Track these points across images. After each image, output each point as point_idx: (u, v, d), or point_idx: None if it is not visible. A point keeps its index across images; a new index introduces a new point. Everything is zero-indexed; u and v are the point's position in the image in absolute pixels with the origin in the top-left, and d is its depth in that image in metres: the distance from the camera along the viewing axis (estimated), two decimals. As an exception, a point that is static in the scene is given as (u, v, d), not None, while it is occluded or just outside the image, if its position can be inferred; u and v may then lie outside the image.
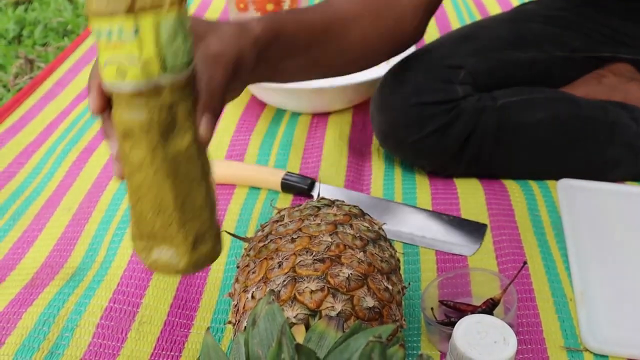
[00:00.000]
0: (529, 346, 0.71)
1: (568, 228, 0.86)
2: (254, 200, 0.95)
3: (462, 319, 0.60)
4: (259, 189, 0.97)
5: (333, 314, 0.55)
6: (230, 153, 1.05)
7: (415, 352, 0.71)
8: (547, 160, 0.97)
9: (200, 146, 0.54)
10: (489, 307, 0.70)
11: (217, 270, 0.82)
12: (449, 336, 0.67)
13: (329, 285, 0.57)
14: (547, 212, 0.91)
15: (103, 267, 0.84)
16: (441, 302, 0.74)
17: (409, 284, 0.71)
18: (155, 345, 0.73)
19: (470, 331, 0.59)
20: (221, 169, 0.98)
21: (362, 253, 0.61)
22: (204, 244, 0.55)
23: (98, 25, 0.49)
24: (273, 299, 0.42)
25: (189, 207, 0.54)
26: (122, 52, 0.49)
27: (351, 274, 0.58)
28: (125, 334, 0.75)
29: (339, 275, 0.58)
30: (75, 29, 1.77)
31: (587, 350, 0.71)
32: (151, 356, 0.72)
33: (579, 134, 0.96)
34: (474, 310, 0.71)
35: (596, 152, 0.97)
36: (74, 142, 1.11)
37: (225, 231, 0.71)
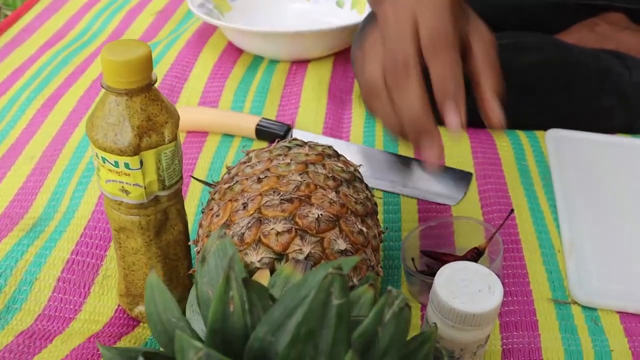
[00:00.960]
0: (515, 298, 0.67)
1: (557, 179, 0.82)
2: (226, 148, 0.90)
3: (445, 266, 0.56)
4: (232, 136, 0.92)
5: (301, 257, 0.50)
6: (203, 100, 1.00)
7: (394, 305, 0.67)
8: (536, 107, 0.93)
9: (187, 230, 0.62)
10: (473, 257, 0.66)
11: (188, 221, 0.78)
12: (430, 287, 0.63)
13: (296, 227, 0.52)
14: (535, 163, 0.87)
15: (66, 217, 0.79)
16: (422, 252, 0.70)
17: (387, 228, 0.67)
18: (119, 299, 0.69)
19: (452, 279, 0.54)
20: (193, 115, 0.93)
21: (334, 193, 0.56)
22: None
23: (103, 154, 0.54)
24: (225, 233, 0.37)
25: (174, 277, 0.63)
26: (128, 179, 0.54)
27: (321, 214, 0.53)
28: (88, 288, 0.70)
29: (308, 216, 0.53)
30: (46, -24, 1.69)
31: (575, 303, 0.67)
32: (115, 311, 0.68)
33: (570, 81, 0.92)
34: (457, 260, 0.67)
35: (587, 101, 0.93)
36: (39, 89, 1.06)
37: (191, 176, 0.66)
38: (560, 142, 0.89)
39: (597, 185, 0.82)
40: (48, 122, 0.97)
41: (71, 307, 0.69)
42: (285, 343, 0.29)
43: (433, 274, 0.64)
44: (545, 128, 0.92)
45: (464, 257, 0.67)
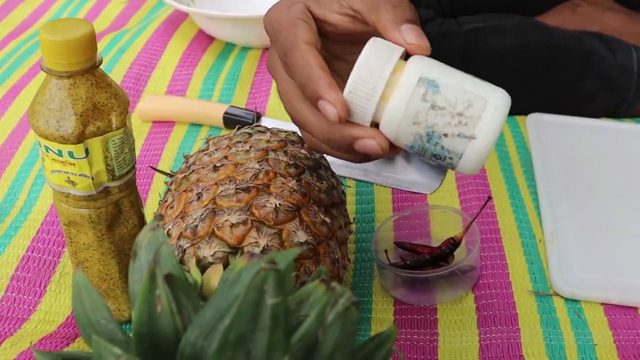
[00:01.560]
0: (494, 290, 0.64)
1: (538, 165, 0.79)
2: (193, 137, 0.86)
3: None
4: (200, 125, 0.88)
5: (257, 250, 0.47)
6: (170, 88, 0.96)
7: (367, 298, 0.64)
8: (517, 91, 0.89)
9: (143, 223, 0.58)
10: (449, 248, 0.63)
11: (150, 215, 0.74)
12: (404, 281, 0.60)
13: (252, 218, 0.49)
14: (516, 148, 0.83)
15: (22, 212, 0.75)
16: (396, 243, 0.67)
17: (354, 218, 0.63)
18: (75, 298, 0.65)
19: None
20: (159, 104, 0.89)
21: (295, 182, 0.52)
22: None
23: (46, 142, 0.50)
24: (158, 225, 0.33)
25: None
26: (73, 169, 0.51)
27: (280, 204, 0.49)
28: (44, 287, 0.67)
29: (265, 206, 0.49)
30: (16, -34, 1.64)
31: (557, 294, 0.64)
32: (72, 311, 0.64)
33: (551, 64, 0.89)
34: (432, 251, 0.64)
35: (569, 84, 0.90)
36: (1, 80, 1.02)
37: (150, 166, 0.63)
38: (542, 126, 0.85)
39: (580, 172, 0.79)
40: (8, 114, 0.94)
41: (25, 307, 0.65)
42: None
43: (407, 267, 0.61)
44: (526, 113, 0.89)
45: (440, 248, 0.63)
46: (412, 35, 0.46)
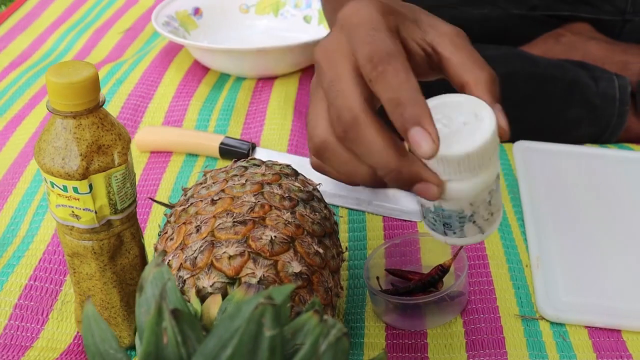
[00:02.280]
0: (482, 315, 0.66)
1: (524, 191, 0.81)
2: (190, 168, 0.88)
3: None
4: (196, 156, 0.91)
5: (254, 281, 0.49)
6: (167, 119, 0.99)
7: (359, 324, 0.66)
8: (503, 120, 0.92)
9: (144, 254, 0.61)
10: (439, 275, 0.65)
11: (149, 244, 0.76)
12: (395, 307, 0.62)
13: (249, 250, 0.51)
14: (503, 175, 0.86)
15: (24, 242, 0.77)
16: (387, 270, 0.69)
17: (346, 248, 0.65)
18: (78, 326, 0.67)
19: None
20: (156, 135, 0.91)
21: (289, 214, 0.54)
22: None
23: (51, 178, 0.53)
24: (163, 260, 0.35)
25: (132, 303, 0.61)
26: (77, 203, 0.53)
27: (275, 236, 0.52)
28: (47, 315, 0.68)
29: (261, 238, 0.52)
30: (14, -4, 1.68)
31: (543, 318, 0.66)
32: (74, 338, 0.66)
33: (536, 93, 0.92)
34: (423, 278, 0.66)
35: (554, 112, 0.93)
36: (2, 111, 1.04)
37: (149, 197, 0.65)
38: (528, 153, 0.88)
39: (565, 198, 0.81)
40: (9, 145, 0.96)
41: (28, 334, 0.67)
42: (219, 377, 0.28)
43: (398, 293, 0.63)
44: (513, 140, 0.91)
45: (429, 275, 0.66)
46: (503, 119, 0.46)
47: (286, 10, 1.25)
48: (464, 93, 0.47)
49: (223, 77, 1.09)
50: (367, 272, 0.66)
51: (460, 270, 0.65)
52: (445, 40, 0.48)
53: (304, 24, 1.22)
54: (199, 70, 1.11)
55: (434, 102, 0.45)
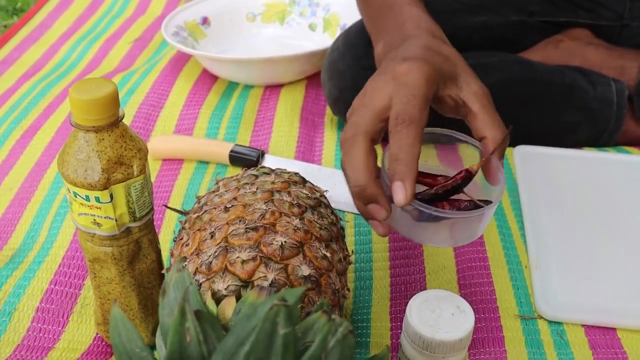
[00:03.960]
0: (482, 315, 0.69)
1: (524, 194, 0.84)
2: (201, 175, 0.91)
3: (409, 303, 0.57)
4: (207, 163, 0.94)
5: (265, 284, 0.52)
6: (178, 127, 1.02)
7: (365, 324, 0.69)
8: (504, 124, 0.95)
9: (160, 259, 0.65)
10: (464, 180, 0.57)
11: (163, 249, 0.79)
12: (419, 214, 0.55)
13: (261, 255, 0.54)
14: (503, 179, 0.88)
15: (44, 247, 0.80)
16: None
17: (352, 251, 0.68)
18: (97, 327, 0.70)
19: (424, 313, 0.56)
20: (168, 143, 0.94)
21: (298, 220, 0.58)
22: None
23: (74, 189, 0.56)
24: (183, 266, 0.39)
25: (150, 305, 0.65)
26: (99, 212, 0.56)
27: (285, 241, 0.55)
28: (67, 317, 0.72)
29: (272, 243, 0.55)
30: (25, 7, 1.71)
31: (541, 317, 0.69)
32: (94, 339, 0.69)
33: (535, 98, 0.94)
34: (446, 183, 0.57)
35: (553, 117, 0.95)
36: (18, 120, 1.07)
37: (164, 205, 0.68)
38: (528, 157, 0.91)
39: (563, 200, 0.84)
40: (27, 154, 0.99)
41: (50, 336, 0.70)
42: (237, 371, 0.31)
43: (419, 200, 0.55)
44: (513, 145, 0.94)
45: (454, 180, 0.57)
46: (501, 170, 0.57)
47: (292, 18, 1.28)
48: (481, 143, 0.58)
49: (231, 86, 1.13)
50: (383, 171, 0.56)
51: (494, 180, 0.58)
52: (476, 98, 0.58)
53: (309, 32, 1.25)
54: (207, 78, 1.14)
55: (429, 295, 0.58)
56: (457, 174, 0.57)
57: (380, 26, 0.72)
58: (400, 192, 0.52)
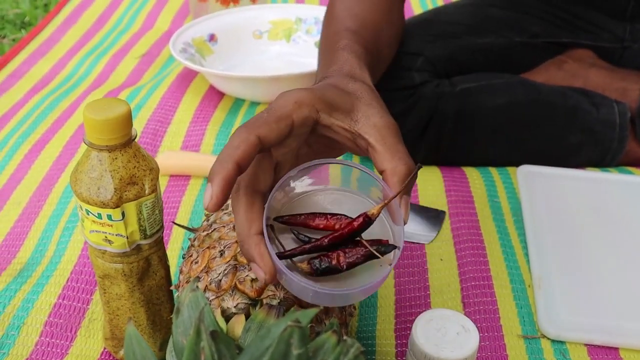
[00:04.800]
0: (486, 334, 0.70)
1: (527, 214, 0.85)
2: (208, 192, 0.92)
3: (415, 322, 0.58)
4: (214, 179, 0.95)
5: (275, 302, 0.53)
6: (186, 143, 1.03)
7: (371, 341, 0.70)
8: (507, 146, 0.96)
9: (169, 275, 0.65)
10: (362, 227, 0.51)
11: (170, 265, 0.80)
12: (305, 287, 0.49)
13: None
14: (507, 199, 0.90)
15: (52, 262, 0.81)
16: (283, 222, 0.53)
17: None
18: (104, 342, 0.71)
19: (429, 331, 0.57)
20: (175, 159, 0.96)
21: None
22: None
23: (87, 206, 0.56)
24: (197, 286, 0.40)
25: (158, 321, 0.65)
26: (110, 229, 0.57)
27: None
28: (75, 332, 0.72)
29: None
30: (33, 20, 1.73)
31: (544, 337, 0.70)
32: (101, 354, 0.70)
33: (539, 120, 0.96)
34: (341, 229, 0.51)
35: (556, 138, 0.96)
36: (26, 135, 1.08)
37: (173, 222, 0.69)
38: (531, 177, 0.92)
39: (566, 220, 0.85)
40: (35, 168, 1.00)
41: (58, 350, 0.70)
42: (252, 391, 0.32)
43: (306, 251, 0.51)
44: (516, 165, 0.95)
45: (350, 225, 0.51)
46: (406, 210, 0.52)
47: (298, 36, 1.29)
48: (383, 179, 0.52)
49: (238, 102, 1.14)
50: (267, 221, 0.51)
51: (396, 219, 0.52)
52: (374, 131, 0.54)
53: (315, 50, 1.27)
54: (214, 95, 1.15)
55: (434, 314, 0.58)
56: (355, 219, 0.51)
57: (319, 65, 0.72)
58: (259, 272, 0.48)
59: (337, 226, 0.52)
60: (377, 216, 0.51)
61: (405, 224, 0.51)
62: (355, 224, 0.51)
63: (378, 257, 0.50)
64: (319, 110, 0.53)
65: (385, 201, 0.51)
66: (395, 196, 0.51)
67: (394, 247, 0.51)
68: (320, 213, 0.53)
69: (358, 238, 0.51)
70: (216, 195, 0.48)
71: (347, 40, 0.70)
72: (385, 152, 0.53)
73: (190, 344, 0.35)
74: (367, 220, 0.51)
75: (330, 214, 0.53)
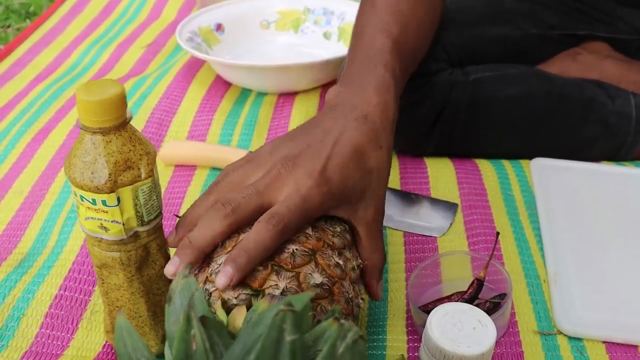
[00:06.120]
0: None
1: (541, 208, 0.83)
2: (214, 182, 0.90)
3: (430, 316, 0.56)
4: (220, 169, 0.93)
5: (277, 292, 0.51)
6: (192, 133, 1.01)
7: (381, 336, 0.68)
8: (521, 137, 0.94)
9: None
10: (477, 289, 0.66)
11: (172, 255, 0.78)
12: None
13: (272, 263, 0.53)
14: (521, 192, 0.87)
15: (54, 252, 0.79)
16: (420, 308, 0.66)
17: (366, 262, 0.67)
18: (107, 334, 0.69)
19: (445, 326, 0.55)
20: (181, 149, 0.93)
21: (310, 228, 0.56)
22: None
23: (81, 192, 0.54)
24: (190, 273, 0.37)
25: (159, 312, 0.63)
26: (106, 216, 0.55)
27: (296, 249, 0.54)
28: (76, 324, 0.70)
29: (283, 251, 0.54)
30: (38, 10, 1.71)
31: (560, 333, 0.68)
32: (103, 347, 0.68)
33: (553, 111, 0.93)
34: (464, 295, 0.66)
35: (571, 130, 0.94)
36: (29, 123, 1.07)
37: (175, 215, 0.67)
38: (545, 170, 0.90)
39: (582, 214, 0.83)
40: (37, 157, 0.98)
41: (58, 343, 0.68)
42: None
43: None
44: (530, 158, 0.93)
45: (468, 293, 0.66)
46: (380, 292, 0.64)
47: (306, 26, 1.27)
48: (364, 267, 0.61)
49: (245, 93, 1.12)
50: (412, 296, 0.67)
51: (496, 284, 0.67)
52: (365, 227, 0.61)
53: (323, 41, 1.24)
54: (221, 85, 1.13)
55: (450, 308, 0.57)
56: (470, 285, 0.67)
57: (350, 67, 0.70)
58: (224, 276, 0.50)
59: (455, 297, 0.67)
60: (485, 277, 0.66)
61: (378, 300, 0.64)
62: (472, 288, 0.66)
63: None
64: (326, 208, 0.58)
65: (486, 265, 0.66)
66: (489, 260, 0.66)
67: (503, 294, 0.65)
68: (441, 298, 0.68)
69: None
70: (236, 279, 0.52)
71: (388, 55, 0.69)
72: (369, 246, 0.61)
73: (181, 331, 0.32)
74: (480, 282, 0.66)
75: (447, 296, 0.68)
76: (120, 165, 0.53)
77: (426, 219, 0.82)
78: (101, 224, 0.56)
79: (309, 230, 0.56)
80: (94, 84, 0.53)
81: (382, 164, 0.61)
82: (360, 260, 0.61)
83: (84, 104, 0.52)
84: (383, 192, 0.62)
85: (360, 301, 0.59)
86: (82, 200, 0.55)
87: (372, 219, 0.61)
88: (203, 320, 0.34)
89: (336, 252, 0.56)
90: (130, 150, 0.54)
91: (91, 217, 0.56)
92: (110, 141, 0.53)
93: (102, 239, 0.57)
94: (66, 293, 0.73)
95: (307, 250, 0.54)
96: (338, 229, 0.59)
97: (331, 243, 0.57)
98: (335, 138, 0.59)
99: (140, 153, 0.55)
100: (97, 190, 0.53)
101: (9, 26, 1.63)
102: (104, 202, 0.54)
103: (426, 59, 0.90)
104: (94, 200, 0.54)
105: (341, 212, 0.59)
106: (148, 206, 0.57)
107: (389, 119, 0.64)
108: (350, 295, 0.56)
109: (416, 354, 0.65)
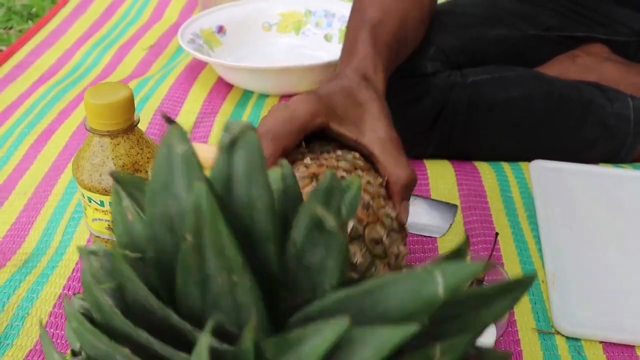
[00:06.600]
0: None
1: (540, 209, 0.84)
2: (217, 183, 0.91)
3: None
4: (222, 171, 0.93)
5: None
6: (194, 135, 1.02)
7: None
8: (519, 139, 0.95)
9: None
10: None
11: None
12: None
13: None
14: (520, 194, 0.88)
15: (58, 252, 0.80)
16: None
17: (386, 177, 0.62)
18: (110, 334, 0.70)
19: None
20: (183, 150, 0.94)
21: (309, 158, 0.55)
22: None
23: (89, 194, 0.55)
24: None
25: None
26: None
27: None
28: (80, 323, 0.71)
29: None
30: (40, 12, 1.72)
31: (558, 333, 0.68)
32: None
33: (552, 113, 0.94)
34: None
35: (571, 132, 0.95)
36: (32, 124, 1.07)
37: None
38: (544, 172, 0.90)
39: (580, 216, 0.83)
40: (41, 158, 0.99)
41: (63, 342, 0.69)
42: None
43: None
44: (529, 160, 0.93)
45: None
46: (405, 214, 0.59)
47: (307, 29, 1.28)
48: (386, 186, 0.58)
49: (247, 94, 1.12)
50: None
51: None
52: (378, 143, 0.59)
53: (324, 43, 1.25)
54: (223, 87, 1.14)
55: None
56: (469, 285, 0.63)
57: (341, 53, 0.74)
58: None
59: None
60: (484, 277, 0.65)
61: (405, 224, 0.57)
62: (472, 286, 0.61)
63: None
64: (329, 120, 0.58)
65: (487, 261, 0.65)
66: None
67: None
68: None
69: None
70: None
71: (368, 32, 0.71)
72: (388, 161, 0.58)
73: (115, 207, 0.33)
74: (480, 283, 0.65)
75: None
76: (127, 167, 0.54)
77: (426, 220, 0.83)
78: (108, 225, 0.57)
79: (307, 160, 0.54)
80: (103, 87, 0.54)
81: (374, 98, 0.63)
82: (380, 179, 0.59)
83: (93, 107, 0.52)
84: (387, 120, 0.62)
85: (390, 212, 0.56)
86: (90, 202, 0.56)
87: (385, 138, 0.59)
88: (114, 174, 0.35)
89: (343, 172, 0.54)
90: (137, 153, 0.55)
91: (99, 219, 0.56)
92: (118, 144, 0.54)
93: (109, 240, 0.58)
94: (70, 293, 0.74)
95: (307, 177, 0.52)
96: (349, 156, 0.57)
97: (335, 167, 0.54)
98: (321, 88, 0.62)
99: (148, 156, 0.56)
100: (105, 192, 0.54)
101: (11, 28, 1.64)
102: (111, 204, 0.55)
103: (422, 58, 0.91)
104: (101, 202, 0.55)
105: (343, 129, 0.59)
106: None
107: (370, 68, 0.67)
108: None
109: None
